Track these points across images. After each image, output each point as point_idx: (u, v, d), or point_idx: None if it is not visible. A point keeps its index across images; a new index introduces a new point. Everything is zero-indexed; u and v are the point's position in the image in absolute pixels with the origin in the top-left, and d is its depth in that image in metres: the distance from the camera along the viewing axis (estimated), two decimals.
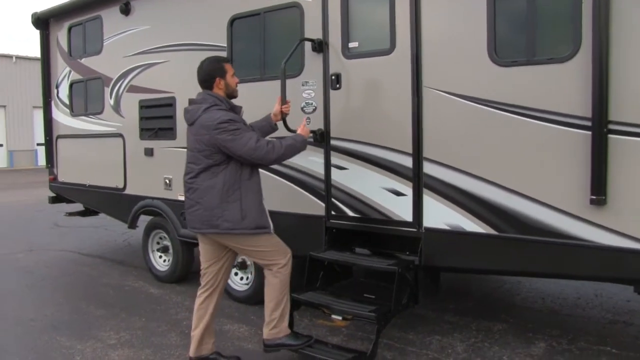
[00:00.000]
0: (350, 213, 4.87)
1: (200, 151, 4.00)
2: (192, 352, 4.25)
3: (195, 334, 4.24)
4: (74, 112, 7.98)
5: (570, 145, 3.77)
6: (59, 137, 8.34)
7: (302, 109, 5.07)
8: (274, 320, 4.23)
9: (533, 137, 3.91)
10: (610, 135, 3.61)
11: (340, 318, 4.53)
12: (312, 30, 4.98)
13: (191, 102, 4.22)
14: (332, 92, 4.87)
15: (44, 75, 8.49)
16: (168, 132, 6.45)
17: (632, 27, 3.53)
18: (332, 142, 4.93)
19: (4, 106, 34.21)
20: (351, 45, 4.79)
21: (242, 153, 3.94)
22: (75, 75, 7.88)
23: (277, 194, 5.13)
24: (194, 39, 6.08)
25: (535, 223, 3.95)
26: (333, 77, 4.86)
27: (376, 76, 4.66)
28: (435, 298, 5.69)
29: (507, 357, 4.49)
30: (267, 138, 4.26)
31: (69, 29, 7.93)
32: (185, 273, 6.69)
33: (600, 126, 3.61)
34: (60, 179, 8.37)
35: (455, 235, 4.32)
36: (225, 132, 3.91)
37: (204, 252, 4.30)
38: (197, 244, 6.26)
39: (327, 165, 4.99)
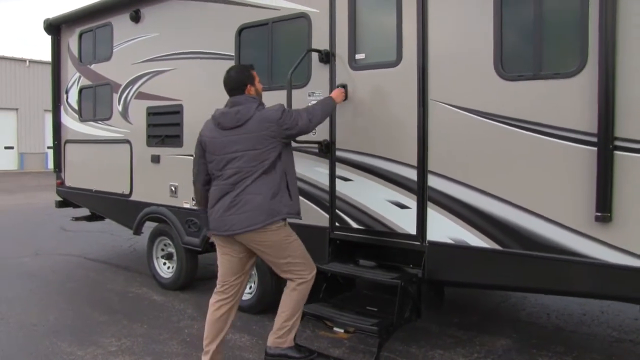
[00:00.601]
0: (354, 225, 4.86)
1: (266, 147, 4.03)
2: None
3: (212, 348, 4.17)
4: (82, 117, 8.02)
5: (576, 161, 3.74)
6: (67, 141, 8.39)
7: None
8: (283, 329, 4.20)
9: (538, 152, 3.88)
10: (616, 152, 3.58)
11: (342, 330, 4.51)
12: (320, 41, 4.99)
13: (234, 103, 4.15)
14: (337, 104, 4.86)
15: (54, 80, 8.58)
16: (175, 140, 6.47)
17: (639, 42, 3.51)
18: (337, 153, 4.93)
19: (16, 109, 34.53)
20: (358, 56, 4.79)
21: (303, 124, 4.20)
22: (84, 81, 7.94)
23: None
24: (202, 48, 6.11)
25: (539, 239, 3.92)
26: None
27: (382, 88, 4.66)
28: (439, 312, 5.65)
29: None
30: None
31: (80, 35, 7.99)
32: (189, 280, 6.68)
33: (606, 142, 3.58)
34: (68, 183, 8.41)
35: (459, 250, 4.29)
36: (290, 115, 4.15)
37: (230, 266, 4.22)
38: (200, 252, 6.36)
39: (332, 176, 4.98)
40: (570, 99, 3.75)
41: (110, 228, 10.59)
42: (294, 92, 4.77)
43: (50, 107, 8.83)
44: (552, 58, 3.85)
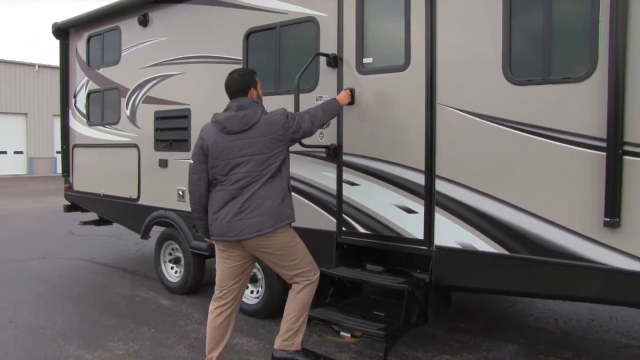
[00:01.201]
0: (361, 229, 4.85)
1: (274, 151, 4.05)
2: None
3: (214, 355, 4.18)
4: (90, 121, 8.05)
5: (585, 166, 3.72)
6: (75, 146, 8.42)
7: None
8: (290, 332, 4.20)
9: (547, 157, 3.87)
10: (625, 157, 3.57)
11: (349, 335, 4.49)
12: (327, 45, 4.99)
13: (239, 107, 4.11)
14: (345, 108, 4.85)
15: (63, 85, 8.62)
16: (182, 144, 6.48)
17: None
18: (345, 157, 4.92)
19: (25, 114, 34.70)
20: (365, 60, 4.79)
21: (307, 126, 4.25)
22: (92, 85, 7.97)
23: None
24: (210, 52, 6.12)
25: (547, 244, 3.90)
26: None
27: (390, 92, 4.65)
28: (446, 317, 5.62)
29: None
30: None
31: (88, 39, 8.02)
32: (196, 285, 6.69)
33: (615, 147, 3.57)
34: (76, 187, 8.44)
35: (467, 255, 4.27)
36: (294, 119, 4.18)
37: (229, 271, 4.22)
38: (208, 256, 6.36)
39: (339, 180, 4.97)
40: (579, 104, 3.73)
41: (118, 232, 10.63)
42: (302, 96, 4.78)
43: (59, 111, 8.87)
44: (562, 63, 3.83)
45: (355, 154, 4.87)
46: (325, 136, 4.99)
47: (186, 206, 6.36)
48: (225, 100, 4.25)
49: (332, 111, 4.56)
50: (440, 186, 4.38)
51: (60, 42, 8.52)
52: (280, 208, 4.05)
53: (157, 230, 7.09)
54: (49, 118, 34.66)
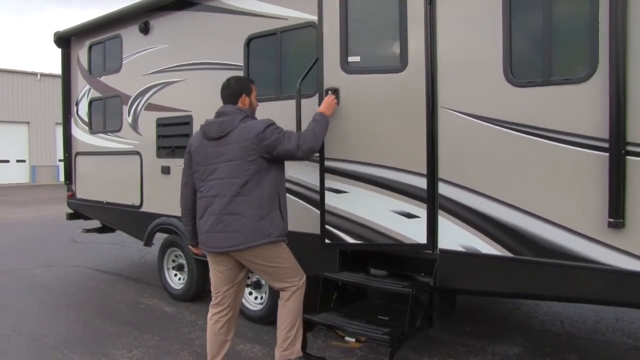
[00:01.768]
0: (350, 240, 4.66)
1: (246, 159, 3.95)
2: None
3: None
4: (92, 129, 8.06)
5: (588, 167, 3.71)
6: (77, 154, 8.42)
7: None
8: (288, 341, 4.18)
9: (549, 158, 3.86)
10: (628, 157, 3.55)
11: (354, 340, 4.47)
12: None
13: (220, 114, 4.16)
14: None
15: (65, 93, 8.62)
16: (185, 151, 6.45)
17: None
18: (328, 163, 4.68)
19: (28, 122, 34.79)
20: (351, 59, 4.59)
21: (290, 147, 3.99)
22: (94, 93, 7.98)
23: (291, 214, 5.08)
24: (211, 58, 6.12)
25: (551, 246, 3.88)
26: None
27: (383, 94, 4.53)
28: (450, 320, 5.60)
29: None
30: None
31: (90, 48, 8.04)
32: (200, 291, 6.67)
33: (617, 148, 3.56)
34: (78, 195, 8.44)
35: (471, 258, 4.25)
36: (275, 132, 4.00)
37: (222, 276, 4.20)
38: None
39: (322, 188, 4.73)
40: (581, 105, 3.72)
41: (121, 240, 10.63)
42: (303, 101, 4.76)
43: (61, 119, 8.88)
44: (562, 64, 3.82)
45: (340, 159, 4.65)
46: None
47: None
48: None
49: (322, 130, 4.30)
50: (443, 189, 4.36)
51: (62, 51, 8.54)
52: (259, 225, 3.95)
53: (160, 237, 7.08)
54: (51, 126, 34.76)
